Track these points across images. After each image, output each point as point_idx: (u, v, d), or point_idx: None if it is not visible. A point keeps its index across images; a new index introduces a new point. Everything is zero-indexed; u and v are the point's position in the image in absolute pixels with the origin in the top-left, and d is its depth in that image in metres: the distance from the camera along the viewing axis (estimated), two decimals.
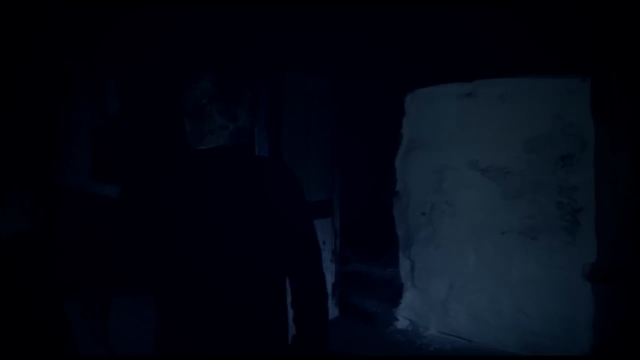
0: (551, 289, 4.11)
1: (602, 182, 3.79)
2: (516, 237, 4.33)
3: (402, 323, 4.90)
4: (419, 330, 4.75)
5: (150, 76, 3.72)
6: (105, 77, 3.49)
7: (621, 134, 3.63)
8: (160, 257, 1.75)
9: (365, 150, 4.89)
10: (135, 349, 3.66)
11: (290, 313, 1.81)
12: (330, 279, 4.90)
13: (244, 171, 1.73)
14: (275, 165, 1.84)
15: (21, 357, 1.94)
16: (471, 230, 4.55)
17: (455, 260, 4.62)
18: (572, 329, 4.01)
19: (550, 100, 4.12)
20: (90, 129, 3.42)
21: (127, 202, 1.95)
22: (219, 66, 1.83)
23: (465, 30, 4.13)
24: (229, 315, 1.70)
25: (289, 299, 1.82)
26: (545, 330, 4.14)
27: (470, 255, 4.55)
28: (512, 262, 4.34)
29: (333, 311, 5.01)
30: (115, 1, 3.48)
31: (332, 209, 5.07)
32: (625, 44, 3.59)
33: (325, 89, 4.99)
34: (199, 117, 1.75)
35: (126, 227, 1.91)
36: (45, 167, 3.15)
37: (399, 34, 4.32)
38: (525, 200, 4.30)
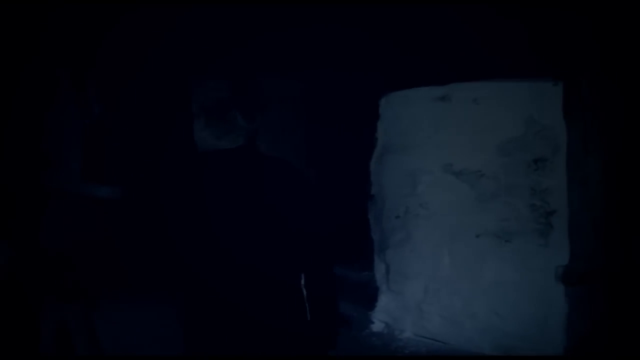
0: (525, 291, 4.14)
1: (574, 185, 3.83)
2: (490, 239, 4.35)
3: (377, 326, 4.90)
4: (394, 333, 4.76)
5: (149, 76, 3.67)
6: (96, 79, 3.45)
7: (592, 137, 3.67)
8: (180, 257, 1.75)
9: (340, 153, 4.88)
10: (134, 350, 3.62)
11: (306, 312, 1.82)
12: None
13: (263, 173, 1.74)
14: (290, 167, 1.85)
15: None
16: (445, 233, 4.57)
17: (430, 263, 4.63)
18: (545, 330, 4.04)
19: (523, 103, 4.15)
20: (79, 131, 3.38)
21: (143, 202, 1.95)
22: (236, 67, 1.87)
23: (440, 34, 4.15)
24: (243, 316, 1.71)
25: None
26: (519, 332, 4.16)
27: (445, 258, 4.57)
28: (486, 265, 4.36)
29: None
30: (115, 1, 3.44)
31: None
32: (596, 49, 3.64)
33: (299, 92, 4.98)
34: (219, 116, 1.75)
35: (140, 229, 1.91)
36: (32, 171, 3.10)
37: (377, 36, 4.32)
38: (499, 203, 4.32)
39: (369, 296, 4.99)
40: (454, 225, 4.52)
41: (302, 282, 1.81)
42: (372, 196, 4.97)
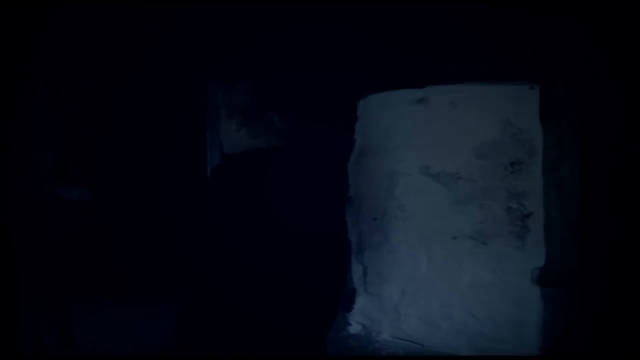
0: (501, 293, 4.18)
1: (550, 188, 3.87)
2: (467, 242, 4.38)
3: (355, 328, 4.90)
4: (371, 335, 4.76)
5: (149, 76, 3.61)
6: (69, 79, 3.40)
7: (568, 141, 3.70)
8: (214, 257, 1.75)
9: (317, 155, 4.86)
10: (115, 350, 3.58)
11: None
12: None
13: (297, 171, 1.76)
14: (317, 166, 1.87)
15: None
16: (423, 235, 4.59)
17: (407, 265, 4.65)
18: (521, 331, 4.08)
19: (500, 106, 4.19)
20: (53, 132, 3.33)
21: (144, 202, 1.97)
22: (271, 68, 1.92)
23: (418, 36, 4.16)
24: (248, 316, 1.71)
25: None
26: (495, 334, 4.20)
27: (422, 260, 4.59)
28: (462, 267, 4.39)
29: None
30: (112, 2, 3.39)
31: None
32: (571, 53, 3.67)
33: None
34: (256, 117, 1.77)
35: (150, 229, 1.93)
36: (6, 174, 3.06)
37: (355, 38, 4.31)
38: (475, 206, 4.36)
39: (346, 298, 4.98)
40: (431, 228, 4.54)
41: (309, 279, 1.82)
42: (350, 198, 4.97)
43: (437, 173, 4.53)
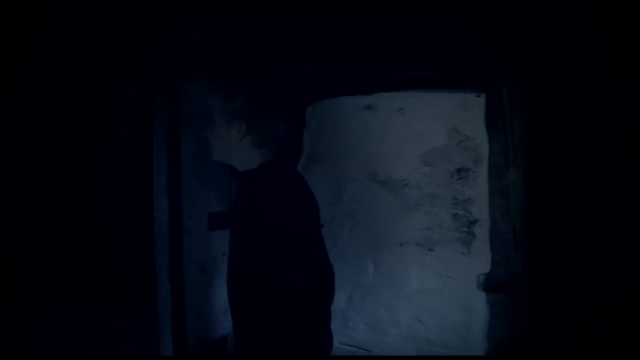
0: (447, 298, 4.22)
1: (495, 196, 3.93)
2: (414, 248, 4.41)
3: None
4: None
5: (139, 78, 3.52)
6: None
7: (513, 149, 3.77)
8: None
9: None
10: None
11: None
12: None
13: (297, 179, 1.77)
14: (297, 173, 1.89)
15: None
16: (370, 242, 4.59)
17: (355, 272, 4.64)
18: (467, 337, 4.13)
19: (447, 114, 4.24)
20: None
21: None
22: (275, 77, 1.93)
23: (366, 42, 4.16)
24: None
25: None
26: (442, 339, 4.24)
27: (369, 267, 4.59)
28: (409, 273, 4.42)
29: None
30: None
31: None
32: (515, 61, 3.73)
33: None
34: (261, 123, 1.75)
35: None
36: None
37: (302, 43, 4.29)
38: (422, 212, 4.39)
39: None
40: (379, 234, 4.55)
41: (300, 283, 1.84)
42: None
43: (384, 180, 4.54)
